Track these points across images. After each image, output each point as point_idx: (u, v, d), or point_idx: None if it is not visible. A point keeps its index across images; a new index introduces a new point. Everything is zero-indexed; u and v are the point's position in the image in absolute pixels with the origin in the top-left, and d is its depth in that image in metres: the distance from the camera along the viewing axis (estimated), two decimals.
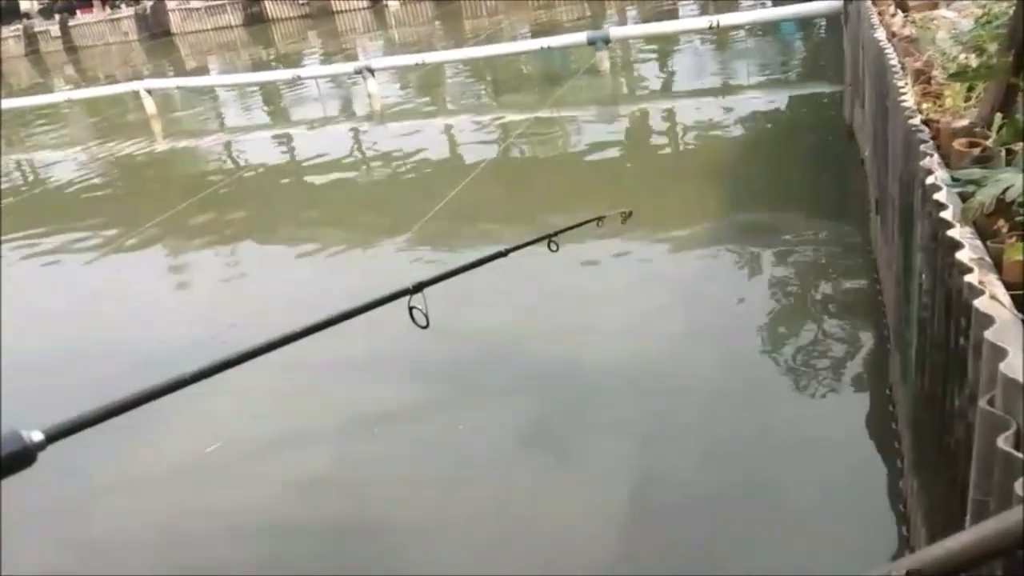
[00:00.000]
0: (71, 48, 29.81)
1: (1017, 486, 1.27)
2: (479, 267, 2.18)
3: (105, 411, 1.23)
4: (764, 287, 5.59)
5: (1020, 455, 1.34)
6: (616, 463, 4.02)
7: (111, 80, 20.91)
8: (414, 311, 1.82)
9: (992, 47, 4.00)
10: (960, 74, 3.41)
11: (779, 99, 10.37)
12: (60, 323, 6.82)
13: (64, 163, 13.06)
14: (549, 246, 2.68)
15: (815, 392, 4.36)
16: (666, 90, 12.39)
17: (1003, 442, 1.37)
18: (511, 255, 2.37)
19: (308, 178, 10.66)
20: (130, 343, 6.07)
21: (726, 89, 11.47)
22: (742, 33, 14.05)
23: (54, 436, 1.11)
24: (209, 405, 4.74)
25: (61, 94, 18.03)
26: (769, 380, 4.50)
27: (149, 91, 14.97)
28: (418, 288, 1.82)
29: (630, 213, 3.56)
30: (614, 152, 9.52)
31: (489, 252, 2.29)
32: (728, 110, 10.26)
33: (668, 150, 9.55)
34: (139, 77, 19.08)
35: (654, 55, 14.32)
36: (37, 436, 1.07)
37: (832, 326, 4.94)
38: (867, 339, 4.70)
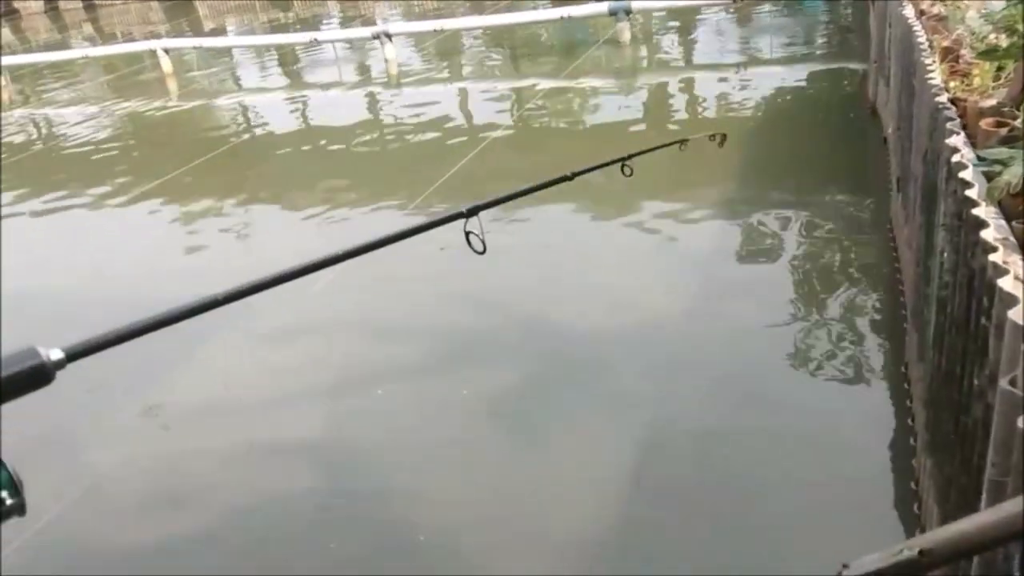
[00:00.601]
0: (90, 6, 29.66)
1: None
2: (540, 190, 2.06)
3: (130, 330, 1.17)
4: (781, 261, 5.57)
5: None
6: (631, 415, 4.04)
7: (128, 38, 20.85)
8: (471, 236, 1.77)
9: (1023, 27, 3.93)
10: (990, 52, 3.36)
11: (802, 75, 10.24)
12: (65, 269, 6.90)
13: (77, 119, 13.07)
14: (623, 170, 2.45)
15: (829, 368, 4.35)
16: (687, 63, 12.25)
17: (1023, 423, 1.36)
18: (577, 179, 2.20)
19: (321, 140, 10.63)
20: (129, 290, 6.18)
21: (748, 63, 11.33)
22: (766, 8, 13.85)
23: (75, 355, 1.04)
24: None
25: (78, 51, 17.96)
26: (782, 353, 4.49)
27: (166, 50, 14.91)
28: (472, 212, 1.77)
29: (724, 136, 3.27)
30: (631, 122, 9.45)
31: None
32: (749, 84, 10.14)
33: (687, 121, 9.46)
34: (157, 36, 19.00)
35: (676, 28, 14.15)
36: (56, 354, 1.00)
37: (849, 303, 4.91)
38: (883, 317, 4.67)
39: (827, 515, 3.37)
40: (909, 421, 3.68)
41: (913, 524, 3.16)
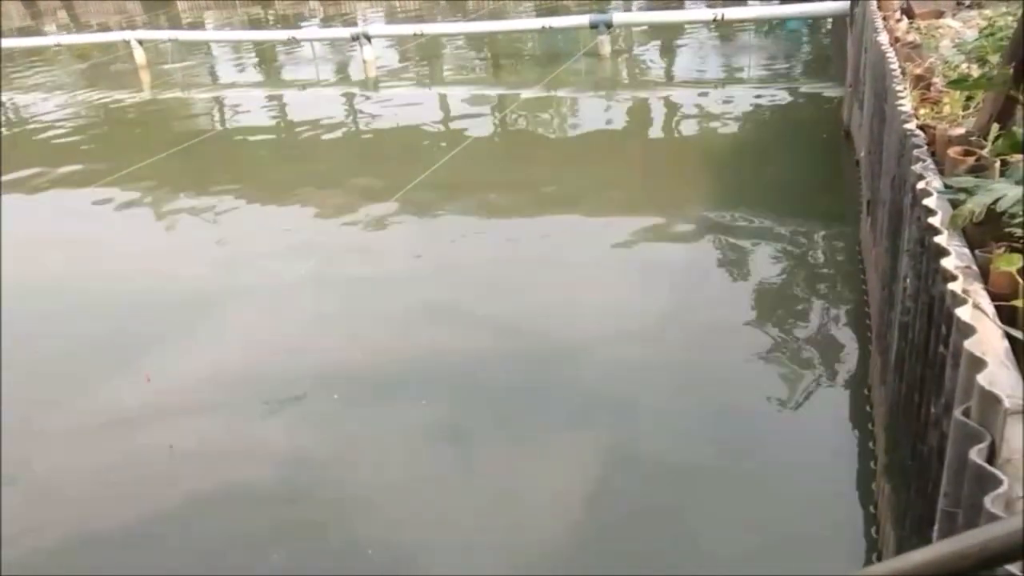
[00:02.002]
0: None
1: (987, 501, 1.24)
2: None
3: None
4: (751, 279, 5.59)
5: (992, 469, 1.31)
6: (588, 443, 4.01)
7: (103, 28, 20.57)
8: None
9: (994, 58, 3.98)
10: (959, 82, 3.39)
11: (779, 95, 10.32)
12: (21, 259, 6.76)
13: (45, 106, 12.86)
14: None
15: (795, 388, 4.35)
16: (665, 78, 12.31)
17: (976, 455, 1.35)
18: None
19: (294, 137, 10.56)
20: (85, 280, 6.13)
21: (726, 81, 11.41)
22: (747, 28, 13.97)
23: None
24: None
25: (51, 38, 17.72)
26: (749, 372, 4.49)
27: (140, 41, 14.73)
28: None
29: None
30: (606, 135, 9.46)
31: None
32: (727, 102, 10.20)
33: (662, 137, 9.49)
34: (132, 27, 18.78)
35: (657, 43, 14.22)
36: None
37: (816, 324, 4.93)
38: (850, 339, 4.70)
39: (785, 537, 3.36)
40: (871, 444, 3.69)
41: (871, 548, 3.16)
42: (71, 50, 16.69)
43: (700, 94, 10.71)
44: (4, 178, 9.05)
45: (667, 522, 3.53)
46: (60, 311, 5.86)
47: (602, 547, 3.38)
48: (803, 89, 10.60)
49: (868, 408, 3.94)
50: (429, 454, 4.08)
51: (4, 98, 13.91)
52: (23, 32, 21.16)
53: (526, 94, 11.09)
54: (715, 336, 4.90)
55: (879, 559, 3.02)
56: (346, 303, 5.69)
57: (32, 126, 11.96)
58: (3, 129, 12.20)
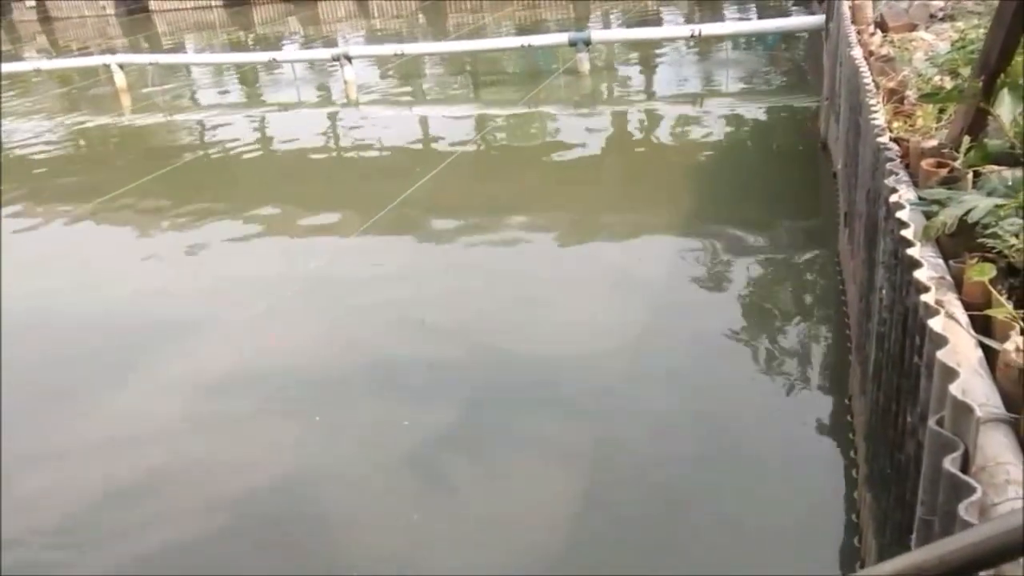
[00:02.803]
0: (46, 19, 29.22)
1: (961, 508, 1.26)
2: None
3: None
4: (731, 292, 5.63)
5: (965, 477, 1.33)
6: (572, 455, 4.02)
7: (84, 52, 20.53)
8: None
9: (965, 71, 4.05)
10: (931, 95, 3.44)
11: (757, 109, 10.44)
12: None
13: (26, 131, 12.82)
14: None
15: (776, 398, 4.40)
16: (644, 94, 12.41)
17: (949, 463, 1.37)
18: None
19: (276, 158, 10.57)
20: (69, 307, 6.10)
21: (705, 96, 11.52)
22: (725, 43, 14.11)
23: None
24: None
25: (30, 63, 17.65)
26: (731, 384, 4.53)
27: (121, 65, 14.70)
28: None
29: None
30: (587, 151, 9.51)
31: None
32: (705, 117, 10.30)
33: (642, 152, 9.57)
34: (112, 51, 18.75)
35: (635, 59, 14.34)
36: None
37: (796, 335, 4.98)
38: (831, 349, 4.74)
39: (769, 546, 3.38)
40: (852, 454, 3.72)
41: (854, 557, 3.19)
42: (51, 75, 16.63)
43: (679, 109, 10.82)
44: None
45: (649, 531, 3.54)
46: (42, 333, 5.83)
47: (583, 559, 3.39)
48: (780, 102, 10.72)
49: (849, 418, 3.98)
50: (411, 473, 4.07)
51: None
52: (2, 57, 21.08)
53: (507, 112, 11.15)
54: (695, 347, 4.94)
55: (863, 567, 3.04)
56: (325, 321, 5.70)
57: (13, 151, 11.89)
58: None
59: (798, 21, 11.98)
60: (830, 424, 4.08)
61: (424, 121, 11.62)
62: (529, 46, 12.87)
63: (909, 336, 2.02)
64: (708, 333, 5.07)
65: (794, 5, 16.65)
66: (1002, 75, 2.83)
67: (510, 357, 5.04)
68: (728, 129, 9.66)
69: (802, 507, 3.59)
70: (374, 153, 10.31)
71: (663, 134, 10.08)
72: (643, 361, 4.86)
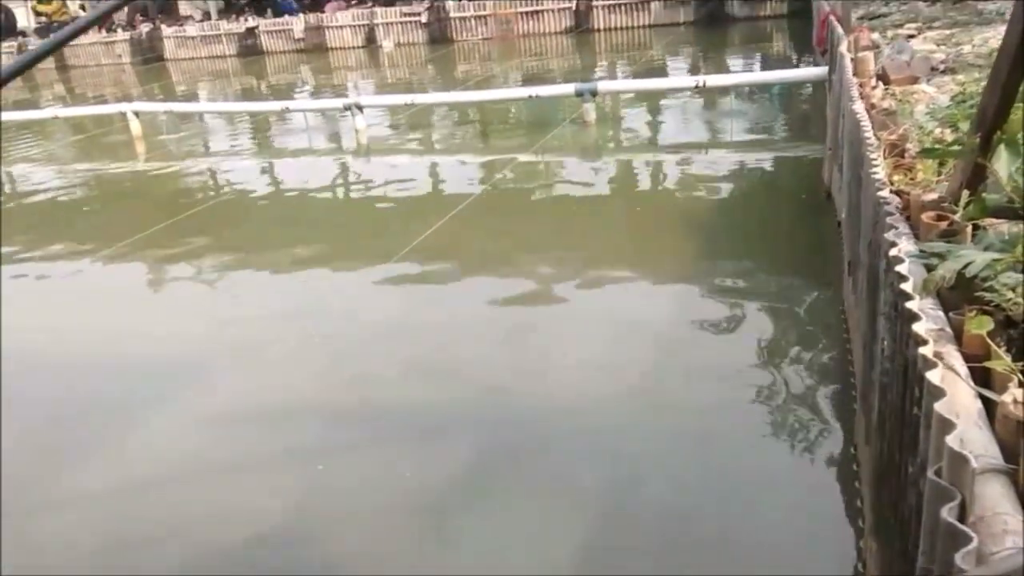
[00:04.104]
0: (63, 67, 29.87)
1: (958, 558, 1.30)
2: None
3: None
4: (738, 339, 5.67)
5: (963, 527, 1.37)
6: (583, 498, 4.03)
7: (100, 100, 20.93)
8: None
9: (964, 125, 4.13)
10: (929, 151, 3.52)
11: (761, 158, 10.56)
12: (26, 328, 6.77)
13: (42, 177, 13.04)
14: None
15: (783, 447, 4.41)
16: (649, 143, 12.58)
17: (947, 513, 1.41)
18: None
19: (288, 205, 10.71)
20: (86, 354, 6.11)
21: (709, 145, 11.67)
22: (729, 93, 14.31)
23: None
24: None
25: (49, 110, 17.99)
26: (738, 431, 4.54)
27: (136, 113, 14.98)
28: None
29: None
30: (593, 199, 9.64)
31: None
32: (710, 166, 10.42)
33: (648, 201, 9.68)
34: (128, 99, 19.10)
35: (640, 109, 14.55)
36: None
37: (803, 382, 5.00)
38: (837, 397, 4.76)
39: None
40: (859, 502, 3.73)
41: None
42: (68, 122, 16.95)
43: (684, 158, 10.95)
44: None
45: None
46: (58, 379, 5.89)
47: None
48: (784, 152, 10.85)
49: (855, 466, 3.99)
50: (417, 519, 4.09)
51: (3, 171, 14.11)
52: (20, 105, 21.48)
53: (515, 160, 11.31)
54: (701, 396, 4.96)
55: None
56: (332, 364, 5.75)
57: (29, 198, 12.09)
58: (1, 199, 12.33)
59: (801, 73, 12.21)
60: (837, 473, 4.09)
61: (434, 169, 11.79)
62: (536, 96, 13.09)
63: (909, 387, 2.06)
64: (712, 379, 5.10)
65: (798, 55, 16.93)
66: (999, 131, 2.90)
67: (516, 402, 5.08)
68: (733, 178, 9.77)
69: (809, 556, 3.59)
70: (384, 201, 10.45)
71: (668, 182, 10.20)
72: (646, 409, 4.88)
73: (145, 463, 4.79)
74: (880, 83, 6.07)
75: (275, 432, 4.98)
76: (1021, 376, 1.90)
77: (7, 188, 13.16)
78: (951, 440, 1.49)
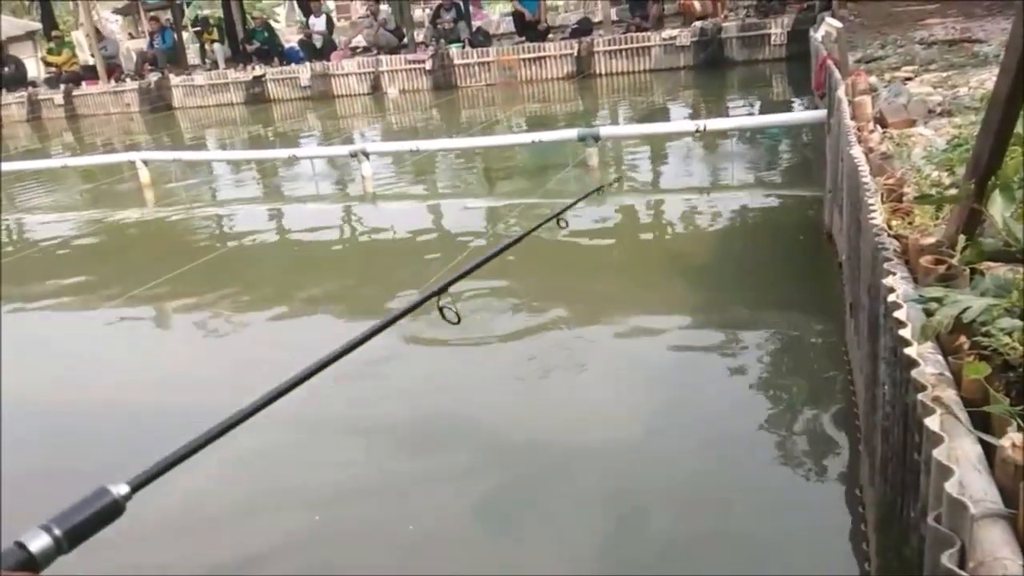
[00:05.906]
0: (72, 116, 30.26)
1: None
2: (497, 257, 2.43)
3: (176, 456, 1.34)
4: (739, 381, 5.69)
5: (962, 573, 1.40)
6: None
7: (109, 149, 21.20)
8: (444, 310, 2.08)
9: (960, 169, 4.21)
10: (925, 198, 3.59)
11: (762, 200, 10.66)
12: (38, 380, 6.80)
13: (51, 226, 13.19)
14: (559, 223, 3.66)
15: (787, 489, 4.41)
16: (651, 186, 12.71)
17: (947, 559, 1.44)
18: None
19: (296, 252, 10.81)
20: (100, 404, 6.12)
21: (710, 188, 11.77)
22: (730, 136, 14.49)
23: (138, 486, 1.19)
24: None
25: (58, 159, 18.25)
26: (739, 472, 4.55)
27: (145, 162, 15.18)
28: (444, 289, 2.07)
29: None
30: (597, 241, 9.72)
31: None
32: (712, 208, 10.51)
33: (650, 242, 9.76)
34: (136, 147, 19.37)
35: (642, 153, 14.72)
36: (123, 489, 1.17)
37: (806, 424, 5.01)
38: (840, 440, 4.77)
39: None
40: (864, 546, 3.73)
41: None
42: (77, 171, 17.18)
43: (684, 202, 11.06)
44: (10, 304, 9.22)
45: None
46: (66, 428, 5.92)
47: None
48: (785, 193, 10.95)
49: (860, 509, 3.99)
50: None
51: (10, 219, 14.26)
52: (30, 154, 21.80)
53: (518, 204, 11.44)
54: (703, 434, 4.98)
55: None
56: (338, 409, 5.77)
57: (38, 247, 12.22)
58: (6, 248, 12.46)
59: (800, 116, 12.35)
60: (842, 516, 4.08)
61: (439, 214, 11.92)
62: (539, 141, 13.25)
63: (910, 432, 2.10)
64: (714, 419, 5.12)
65: (797, 98, 17.14)
66: (993, 176, 2.97)
67: (524, 445, 5.10)
68: (734, 219, 9.86)
69: None
70: (391, 246, 10.55)
71: (671, 225, 10.29)
72: (650, 449, 4.90)
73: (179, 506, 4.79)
74: (878, 127, 6.16)
75: (290, 471, 5.00)
76: (1019, 421, 1.93)
77: (16, 237, 13.30)
78: (950, 486, 1.52)
